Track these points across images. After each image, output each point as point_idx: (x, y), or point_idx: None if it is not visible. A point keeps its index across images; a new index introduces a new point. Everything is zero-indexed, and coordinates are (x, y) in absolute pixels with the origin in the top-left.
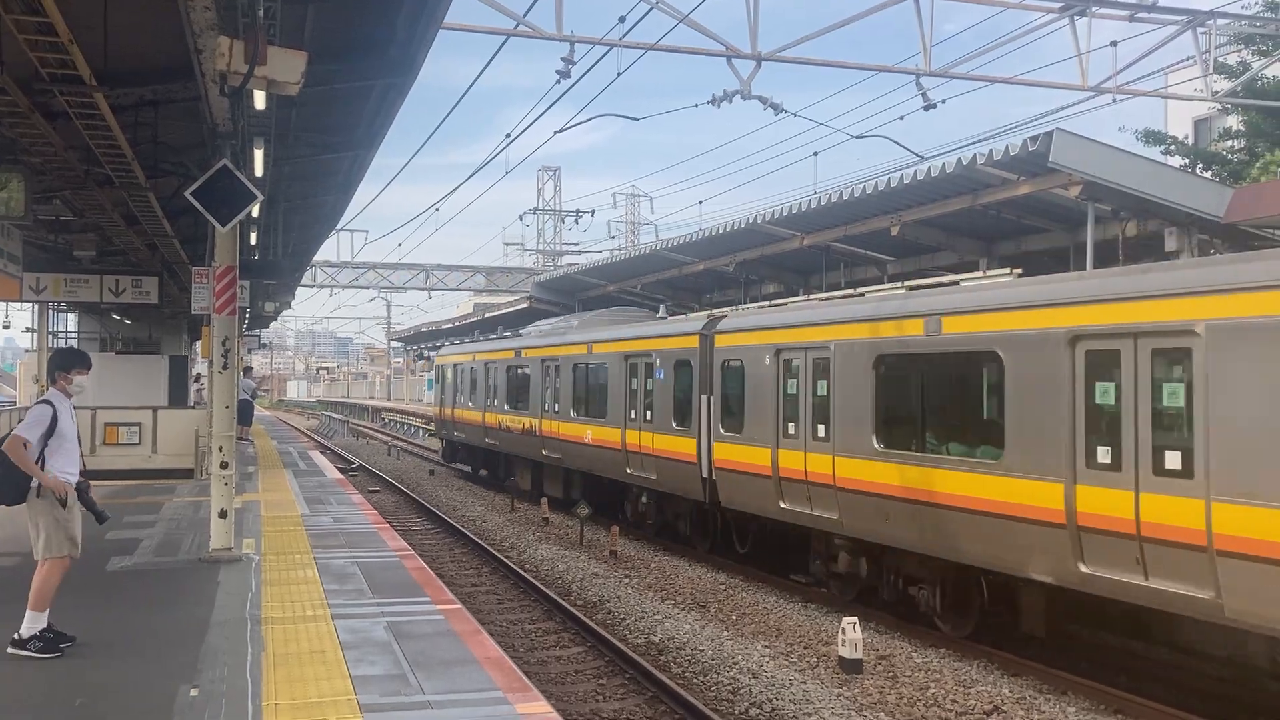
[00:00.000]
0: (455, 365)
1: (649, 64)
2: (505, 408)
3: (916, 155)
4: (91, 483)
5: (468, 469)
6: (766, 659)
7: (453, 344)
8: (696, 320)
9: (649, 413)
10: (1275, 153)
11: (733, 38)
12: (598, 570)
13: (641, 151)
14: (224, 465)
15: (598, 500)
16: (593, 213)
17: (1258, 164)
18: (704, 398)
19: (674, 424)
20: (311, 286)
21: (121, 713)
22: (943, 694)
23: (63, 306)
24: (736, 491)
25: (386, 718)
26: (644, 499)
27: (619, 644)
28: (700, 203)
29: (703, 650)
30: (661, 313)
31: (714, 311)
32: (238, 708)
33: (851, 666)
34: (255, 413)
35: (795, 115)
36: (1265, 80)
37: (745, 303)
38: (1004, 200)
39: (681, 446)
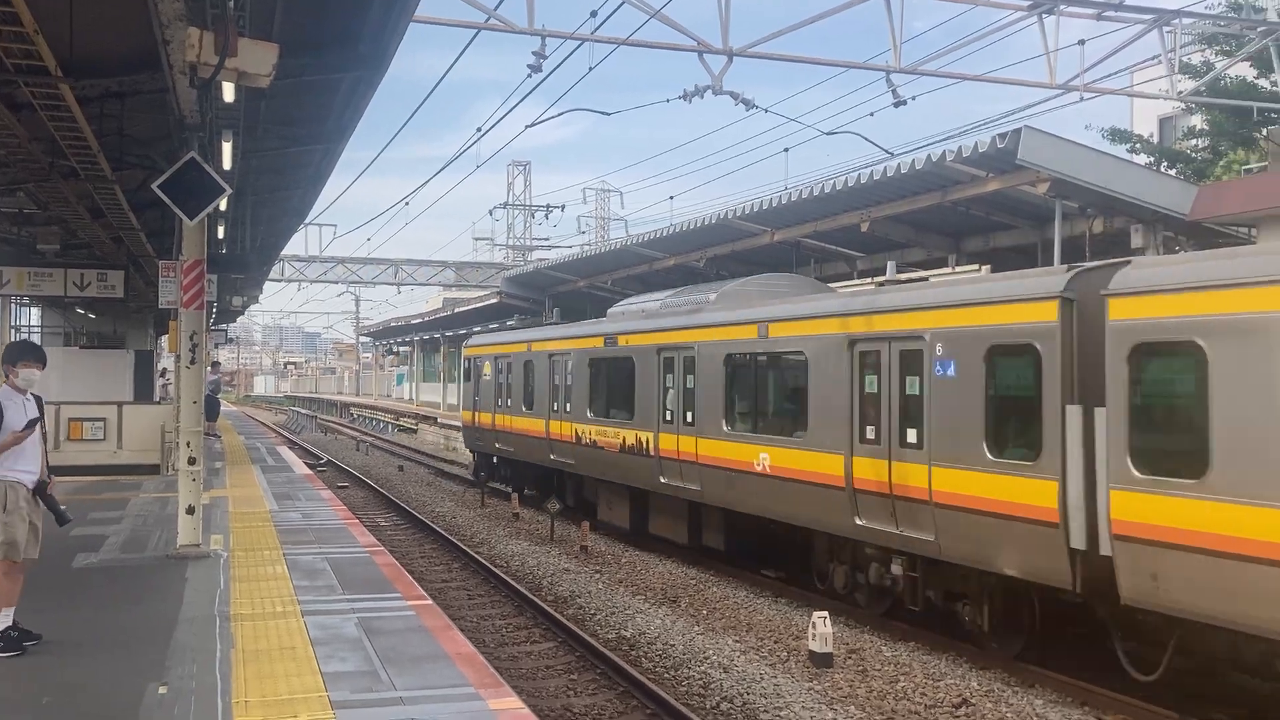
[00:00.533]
0: (498, 359)
1: (621, 59)
2: (589, 415)
3: (886, 152)
4: (54, 479)
5: (506, 489)
6: (737, 653)
7: (489, 330)
8: (1045, 278)
9: (927, 433)
10: (1238, 152)
11: (704, 33)
12: (568, 566)
13: (612, 146)
14: (192, 461)
15: (770, 557)
16: (563, 208)
17: (1221, 162)
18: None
19: (1006, 452)
20: (280, 281)
21: (89, 711)
22: (912, 687)
23: (25, 300)
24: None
25: (358, 714)
26: (891, 566)
27: (590, 639)
28: (671, 198)
29: (674, 645)
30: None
31: (1081, 266)
32: (207, 705)
33: (822, 660)
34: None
35: (766, 111)
36: (1228, 80)
37: None
38: (973, 197)
39: (1023, 494)
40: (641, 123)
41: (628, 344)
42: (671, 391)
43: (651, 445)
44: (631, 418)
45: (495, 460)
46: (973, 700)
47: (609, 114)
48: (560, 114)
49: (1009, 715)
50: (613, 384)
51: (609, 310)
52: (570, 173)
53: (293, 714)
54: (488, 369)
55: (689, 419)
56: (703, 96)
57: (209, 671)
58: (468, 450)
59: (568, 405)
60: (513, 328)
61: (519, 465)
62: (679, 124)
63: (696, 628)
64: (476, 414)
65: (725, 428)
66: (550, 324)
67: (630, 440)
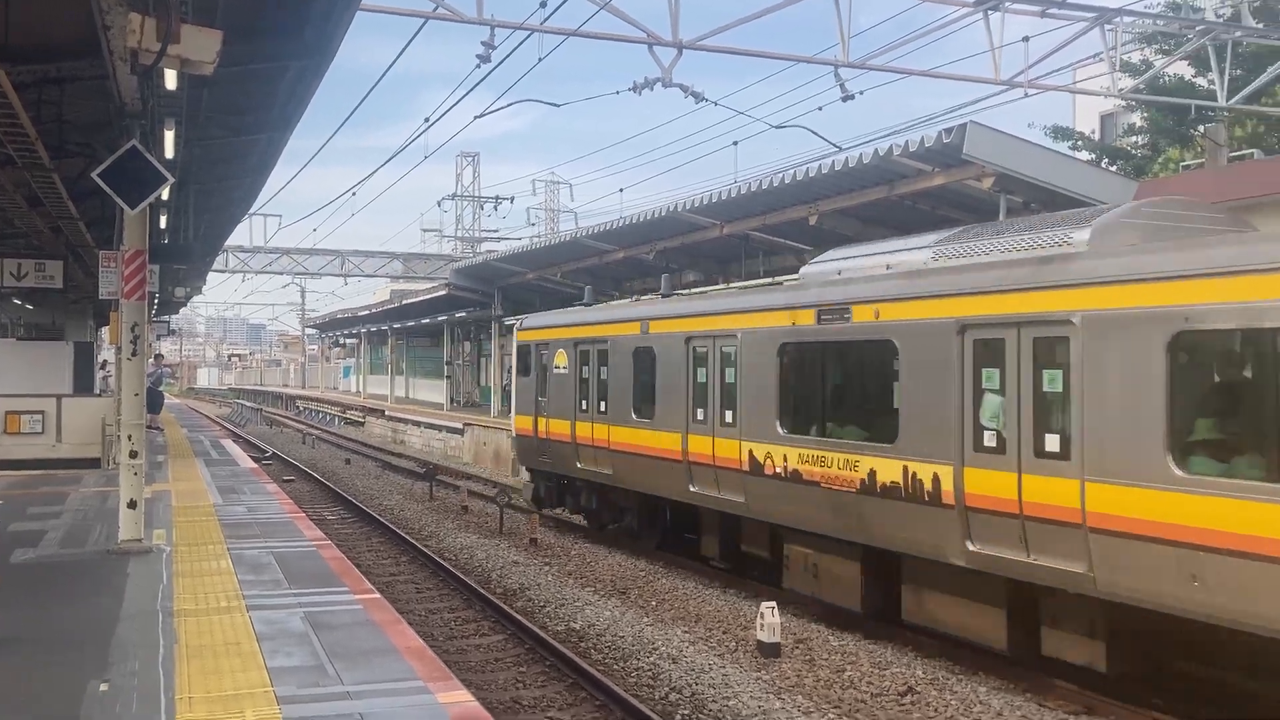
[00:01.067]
0: (581, 345)
1: (570, 50)
2: (782, 431)
3: (834, 146)
4: None
5: (576, 520)
6: (686, 644)
7: (564, 309)
8: None
9: None
10: (1176, 149)
11: (654, 25)
12: (518, 558)
13: (562, 138)
14: (133, 454)
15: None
16: (512, 199)
17: (1159, 159)
18: None
19: None
20: (224, 272)
21: (28, 710)
22: (859, 676)
23: None
24: None
25: (305, 709)
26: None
27: (539, 631)
28: (621, 190)
29: (623, 636)
30: None
31: None
32: (149, 702)
33: (770, 650)
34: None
35: (716, 104)
36: (1167, 78)
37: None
38: (919, 191)
39: None
40: (591, 115)
41: (886, 319)
42: (1004, 399)
43: (947, 487)
44: (891, 440)
45: (575, 485)
46: (918, 688)
47: (558, 105)
48: (509, 105)
49: (953, 702)
50: (840, 385)
51: (803, 271)
52: (519, 164)
53: (238, 710)
54: (562, 360)
55: (1067, 448)
56: (652, 89)
57: (152, 668)
58: (523, 467)
59: (726, 414)
60: (587, 305)
61: (619, 495)
62: (629, 116)
63: (646, 619)
64: (542, 420)
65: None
66: (678, 294)
67: (887, 476)
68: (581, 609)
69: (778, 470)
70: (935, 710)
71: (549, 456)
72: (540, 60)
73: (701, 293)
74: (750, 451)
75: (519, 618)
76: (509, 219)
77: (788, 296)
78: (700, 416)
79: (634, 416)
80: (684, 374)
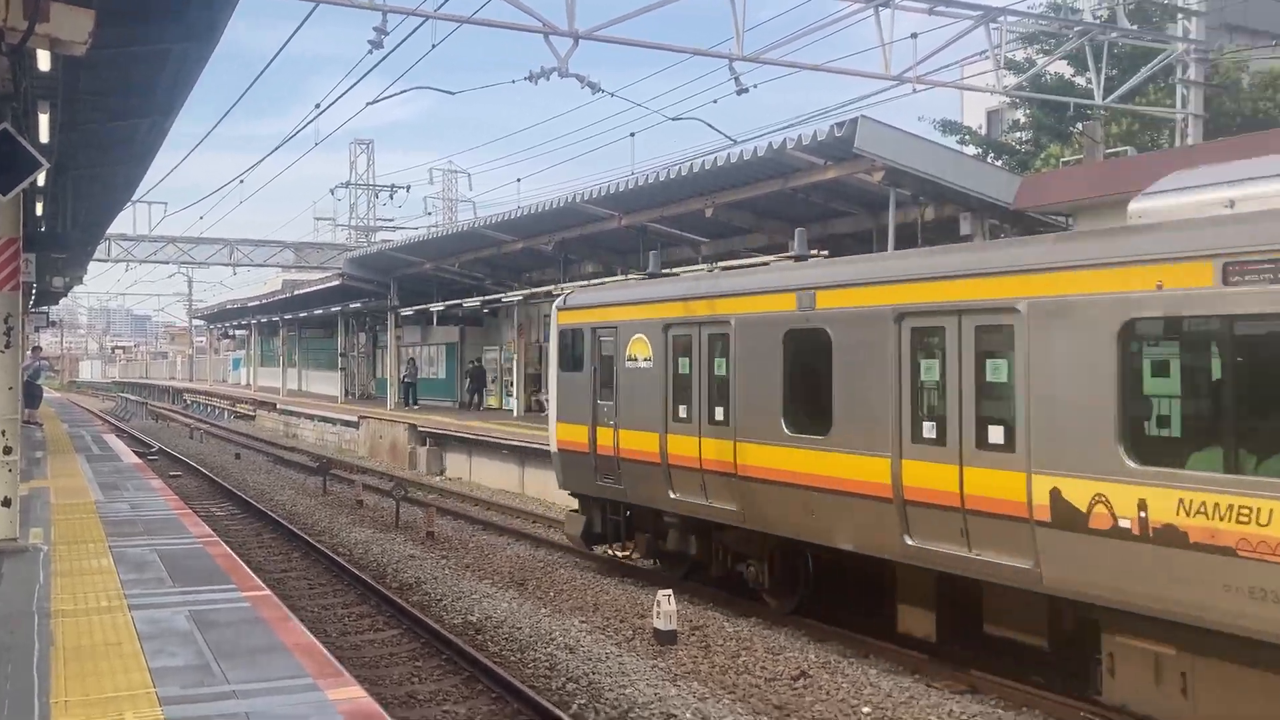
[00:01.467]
0: (676, 328)
1: (466, 37)
2: (1134, 461)
3: (730, 139)
4: None
5: (659, 568)
6: (584, 633)
7: (632, 279)
8: None
9: None
10: (1056, 145)
11: (550, 14)
12: (414, 552)
13: (458, 127)
14: (7, 450)
15: None
16: (408, 188)
17: (1042, 155)
18: None
19: None
20: (106, 261)
21: None
22: (753, 661)
23: None
24: None
25: (188, 710)
26: None
27: (435, 625)
28: (519, 180)
29: (520, 628)
30: None
31: None
32: (23, 707)
33: (666, 638)
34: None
35: (612, 95)
36: (1048, 77)
37: (564, 282)
38: (812, 184)
39: None
40: (488, 103)
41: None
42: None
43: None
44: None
45: (661, 521)
46: (810, 672)
47: (453, 93)
48: (402, 92)
49: (844, 685)
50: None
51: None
52: (415, 153)
53: (117, 713)
54: (640, 348)
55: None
56: (549, 78)
57: (26, 672)
58: (567, 492)
59: (992, 433)
60: (650, 276)
61: (740, 538)
62: (527, 105)
63: (544, 609)
64: (606, 432)
65: None
66: (819, 256)
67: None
68: (479, 601)
69: (1126, 522)
70: (827, 693)
71: (617, 480)
72: (434, 47)
73: (923, 251)
74: (1056, 493)
75: (414, 612)
76: (405, 208)
77: (1114, 247)
78: (929, 434)
79: (787, 430)
80: (892, 369)
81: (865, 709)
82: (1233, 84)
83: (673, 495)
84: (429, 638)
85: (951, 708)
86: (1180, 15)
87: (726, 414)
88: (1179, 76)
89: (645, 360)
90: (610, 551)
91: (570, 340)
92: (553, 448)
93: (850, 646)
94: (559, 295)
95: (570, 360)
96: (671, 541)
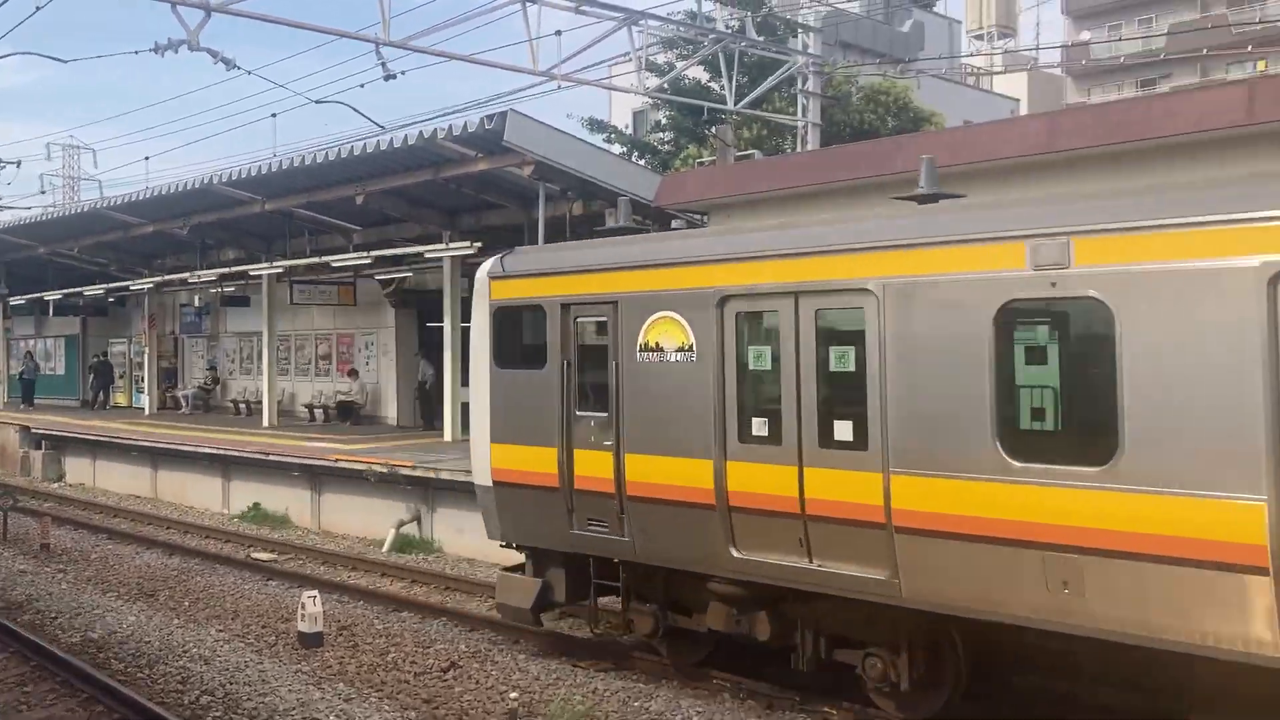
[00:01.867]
0: (747, 304)
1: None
2: None
3: (379, 125)
4: None
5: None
6: (221, 642)
7: (634, 231)
8: None
9: None
10: (694, 146)
11: None
12: (25, 567)
13: (76, 98)
14: None
15: None
16: (19, 164)
17: (681, 155)
18: None
19: None
20: None
21: None
22: (402, 657)
23: None
24: None
25: None
26: None
27: (47, 645)
28: (147, 159)
29: (149, 642)
30: None
31: None
32: None
33: (312, 640)
34: None
35: (250, 73)
36: (686, 81)
37: (201, 269)
38: (464, 175)
39: None
40: (114, 73)
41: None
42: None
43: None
44: None
45: (695, 585)
46: (460, 662)
47: (65, 61)
48: (5, 56)
49: (494, 671)
50: None
51: None
52: (27, 124)
53: None
54: (668, 334)
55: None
56: (177, 51)
57: None
58: (501, 542)
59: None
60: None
61: (864, 619)
62: (157, 78)
63: (176, 620)
64: (603, 458)
65: None
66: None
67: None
68: (101, 616)
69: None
70: (477, 682)
71: (616, 528)
72: (39, 9)
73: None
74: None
75: (22, 632)
76: (15, 186)
77: None
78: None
79: (1009, 458)
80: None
81: (513, 694)
82: (844, 96)
83: (736, 554)
84: (41, 659)
85: (596, 685)
86: (800, 30)
87: (861, 432)
88: (800, 87)
89: (679, 351)
90: (589, 626)
91: (515, 323)
92: (480, 480)
93: (501, 633)
94: (491, 259)
95: (516, 352)
96: (716, 617)
